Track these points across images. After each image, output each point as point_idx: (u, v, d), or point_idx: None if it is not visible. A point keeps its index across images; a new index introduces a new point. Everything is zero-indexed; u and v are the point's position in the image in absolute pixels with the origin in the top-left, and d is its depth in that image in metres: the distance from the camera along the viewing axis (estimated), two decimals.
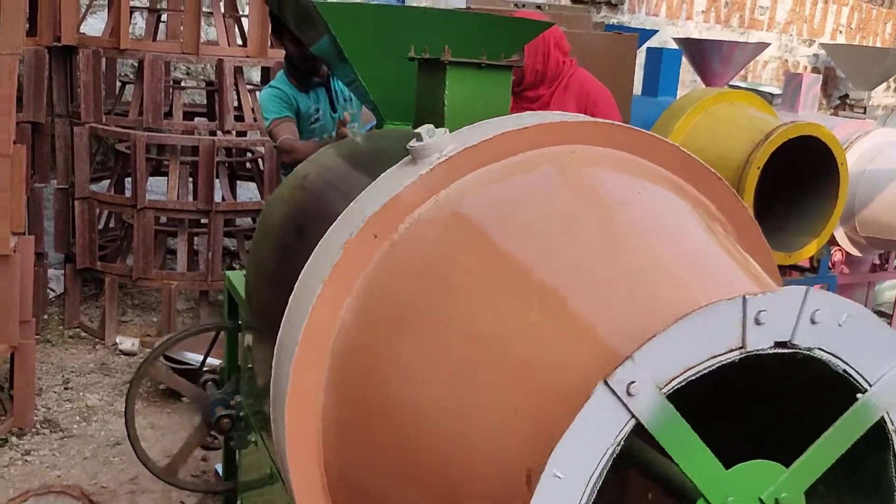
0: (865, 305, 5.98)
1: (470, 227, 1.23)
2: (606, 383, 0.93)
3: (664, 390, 0.95)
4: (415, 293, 1.21)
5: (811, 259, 4.93)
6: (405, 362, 1.19)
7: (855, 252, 5.03)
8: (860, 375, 1.06)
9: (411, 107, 2.13)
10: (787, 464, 1.05)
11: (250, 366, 2.26)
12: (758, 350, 0.99)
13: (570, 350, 1.05)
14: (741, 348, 0.98)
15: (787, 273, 5.20)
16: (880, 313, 6.08)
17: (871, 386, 1.06)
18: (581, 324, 1.07)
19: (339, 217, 1.40)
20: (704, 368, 0.97)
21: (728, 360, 0.98)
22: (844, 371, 1.05)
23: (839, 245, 4.95)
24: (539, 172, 1.28)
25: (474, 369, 1.09)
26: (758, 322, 0.98)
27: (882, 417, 1.07)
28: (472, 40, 2.19)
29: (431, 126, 1.37)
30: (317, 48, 2.50)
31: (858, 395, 1.05)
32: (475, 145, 1.31)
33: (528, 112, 1.43)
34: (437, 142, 1.35)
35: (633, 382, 0.94)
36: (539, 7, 4.05)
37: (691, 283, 1.12)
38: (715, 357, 0.97)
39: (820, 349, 1.04)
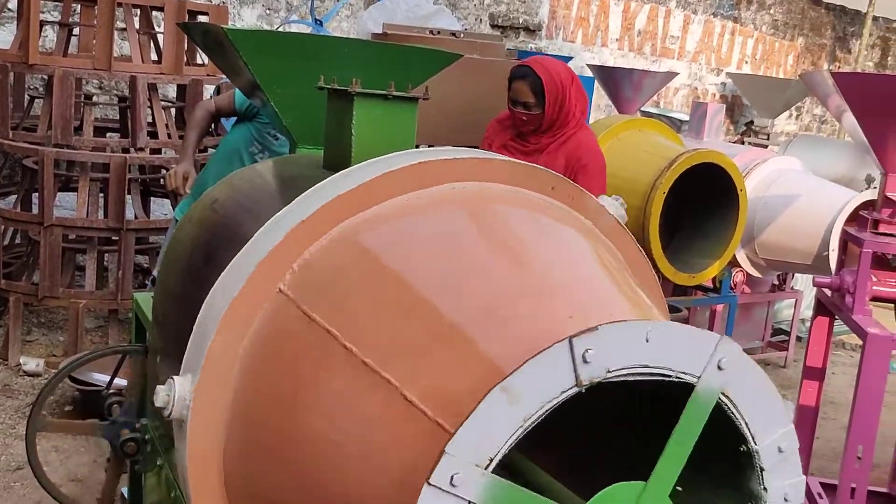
0: (766, 323, 6.25)
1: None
2: (430, 483, 0.95)
3: (489, 467, 0.97)
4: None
5: (714, 280, 5.16)
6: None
7: (755, 273, 5.28)
8: (686, 374, 1.09)
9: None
10: None
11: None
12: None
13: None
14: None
15: (692, 293, 5.42)
16: (780, 331, 6.37)
17: (698, 377, 1.09)
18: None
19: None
20: (537, 419, 0.99)
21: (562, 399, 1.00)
22: (674, 377, 1.08)
23: (740, 266, 5.19)
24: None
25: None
26: (585, 360, 1.01)
27: (719, 398, 1.10)
28: (383, 70, 2.25)
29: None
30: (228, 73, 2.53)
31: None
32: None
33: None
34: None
35: (455, 474, 0.95)
36: (454, 35, 4.14)
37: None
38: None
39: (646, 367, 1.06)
